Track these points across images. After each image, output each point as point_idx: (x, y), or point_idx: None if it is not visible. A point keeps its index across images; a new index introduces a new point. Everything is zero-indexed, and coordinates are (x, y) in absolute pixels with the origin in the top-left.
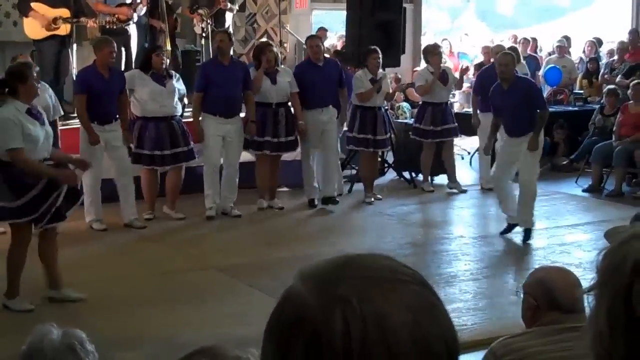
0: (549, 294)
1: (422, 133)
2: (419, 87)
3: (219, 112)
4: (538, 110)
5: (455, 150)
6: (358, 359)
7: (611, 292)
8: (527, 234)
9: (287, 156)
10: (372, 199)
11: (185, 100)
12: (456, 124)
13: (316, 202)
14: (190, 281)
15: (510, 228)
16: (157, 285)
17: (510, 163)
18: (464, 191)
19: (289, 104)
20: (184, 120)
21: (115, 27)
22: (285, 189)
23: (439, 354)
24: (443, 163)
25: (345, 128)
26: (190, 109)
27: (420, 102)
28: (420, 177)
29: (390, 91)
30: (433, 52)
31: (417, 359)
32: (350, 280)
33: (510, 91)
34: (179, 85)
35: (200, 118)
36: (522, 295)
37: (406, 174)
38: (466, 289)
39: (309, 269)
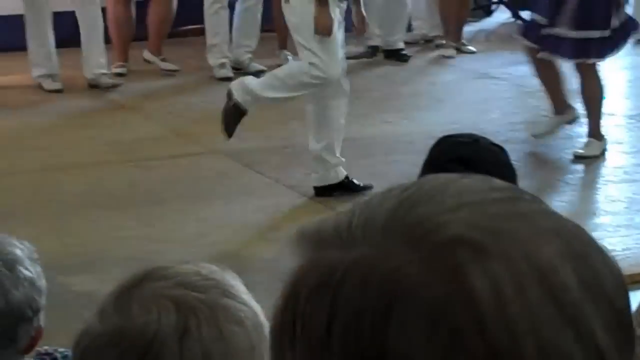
0: None
1: None
2: None
3: None
4: None
5: None
6: (522, 324)
7: None
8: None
9: None
10: (453, 51)
11: None
12: None
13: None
14: (180, 173)
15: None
16: (132, 179)
17: None
18: None
19: None
20: None
21: None
22: None
23: (612, 297)
24: None
25: None
26: None
27: None
28: None
29: None
30: None
31: (593, 309)
32: (448, 214)
33: None
34: None
35: None
36: None
37: (525, 15)
38: (614, 195)
39: (366, 218)
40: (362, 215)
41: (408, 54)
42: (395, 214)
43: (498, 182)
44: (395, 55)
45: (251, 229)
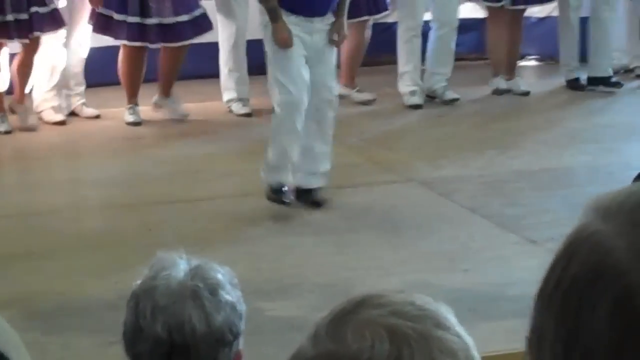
0: None
1: None
2: None
3: None
4: None
5: None
6: None
7: None
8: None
9: None
10: None
11: None
12: None
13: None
14: (375, 201)
15: None
16: (327, 205)
17: None
18: None
19: None
20: None
21: None
22: (532, 62)
23: None
24: None
25: None
26: None
27: None
28: None
29: None
30: None
31: None
32: None
33: None
34: None
35: None
36: None
37: None
38: None
39: (609, 200)
40: (625, 193)
41: (620, 81)
42: (632, 203)
43: None
44: (603, 83)
45: (443, 259)
